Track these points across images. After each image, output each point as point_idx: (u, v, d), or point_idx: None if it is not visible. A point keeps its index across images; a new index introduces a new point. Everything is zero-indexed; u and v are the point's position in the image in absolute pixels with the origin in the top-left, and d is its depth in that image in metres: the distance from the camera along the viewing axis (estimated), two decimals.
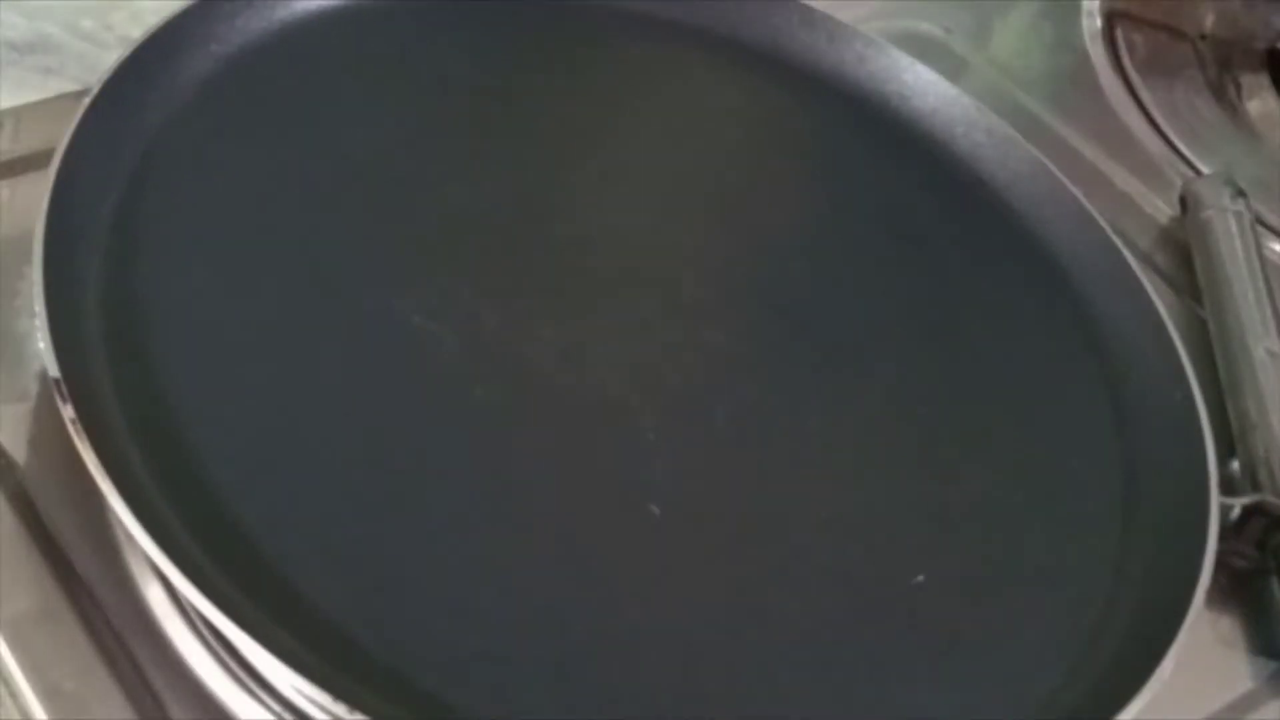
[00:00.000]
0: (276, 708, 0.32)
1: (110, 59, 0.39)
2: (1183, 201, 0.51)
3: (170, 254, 0.37)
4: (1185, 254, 0.50)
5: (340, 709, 0.28)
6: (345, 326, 0.38)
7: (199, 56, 0.41)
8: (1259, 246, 0.48)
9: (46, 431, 0.34)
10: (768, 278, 0.44)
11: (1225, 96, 0.59)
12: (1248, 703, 0.38)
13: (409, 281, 0.39)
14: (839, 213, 0.47)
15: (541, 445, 0.37)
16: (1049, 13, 0.60)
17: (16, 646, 0.31)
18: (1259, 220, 0.49)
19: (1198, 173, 0.54)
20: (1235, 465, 0.41)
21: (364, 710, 0.28)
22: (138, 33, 0.40)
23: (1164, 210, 0.52)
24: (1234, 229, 0.47)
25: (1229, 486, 0.40)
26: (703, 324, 0.41)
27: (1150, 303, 0.44)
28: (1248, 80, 0.61)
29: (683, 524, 0.36)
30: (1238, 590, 0.40)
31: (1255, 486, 0.40)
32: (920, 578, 0.36)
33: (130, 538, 0.30)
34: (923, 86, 0.50)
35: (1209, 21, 0.62)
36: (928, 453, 0.40)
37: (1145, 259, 0.48)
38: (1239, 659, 0.39)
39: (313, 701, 0.30)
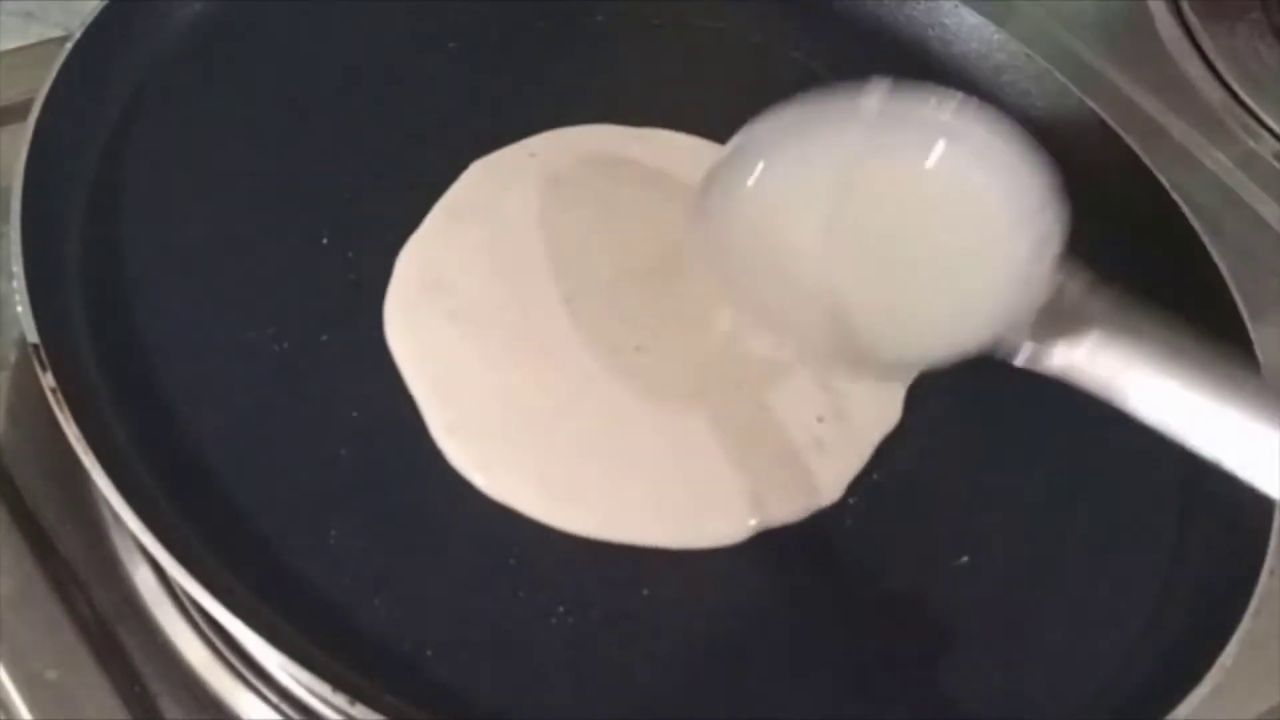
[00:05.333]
0: (273, 698, 0.31)
1: (93, 2, 0.37)
2: None
3: (156, 210, 0.36)
4: (1247, 210, 0.47)
5: (340, 699, 0.27)
6: (345, 286, 0.36)
7: None
8: None
9: (25, 401, 0.34)
10: None
11: None
12: None
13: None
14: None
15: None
16: None
17: None
18: None
19: (1261, 123, 0.51)
20: None
21: (365, 701, 0.27)
22: None
23: (1225, 164, 0.51)
24: None
25: None
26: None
27: (1213, 263, 0.42)
28: None
29: None
30: None
31: None
32: (964, 559, 0.35)
33: (116, 515, 0.29)
34: (966, 30, 0.48)
35: None
36: (969, 427, 0.38)
37: (1206, 216, 0.45)
38: None
39: (311, 692, 0.29)
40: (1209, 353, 0.28)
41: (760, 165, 0.32)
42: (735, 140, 0.33)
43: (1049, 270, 0.30)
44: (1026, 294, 0.29)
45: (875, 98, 0.31)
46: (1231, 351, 0.30)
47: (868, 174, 0.31)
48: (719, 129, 0.43)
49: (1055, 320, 0.29)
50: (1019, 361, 0.30)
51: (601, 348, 0.35)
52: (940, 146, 0.31)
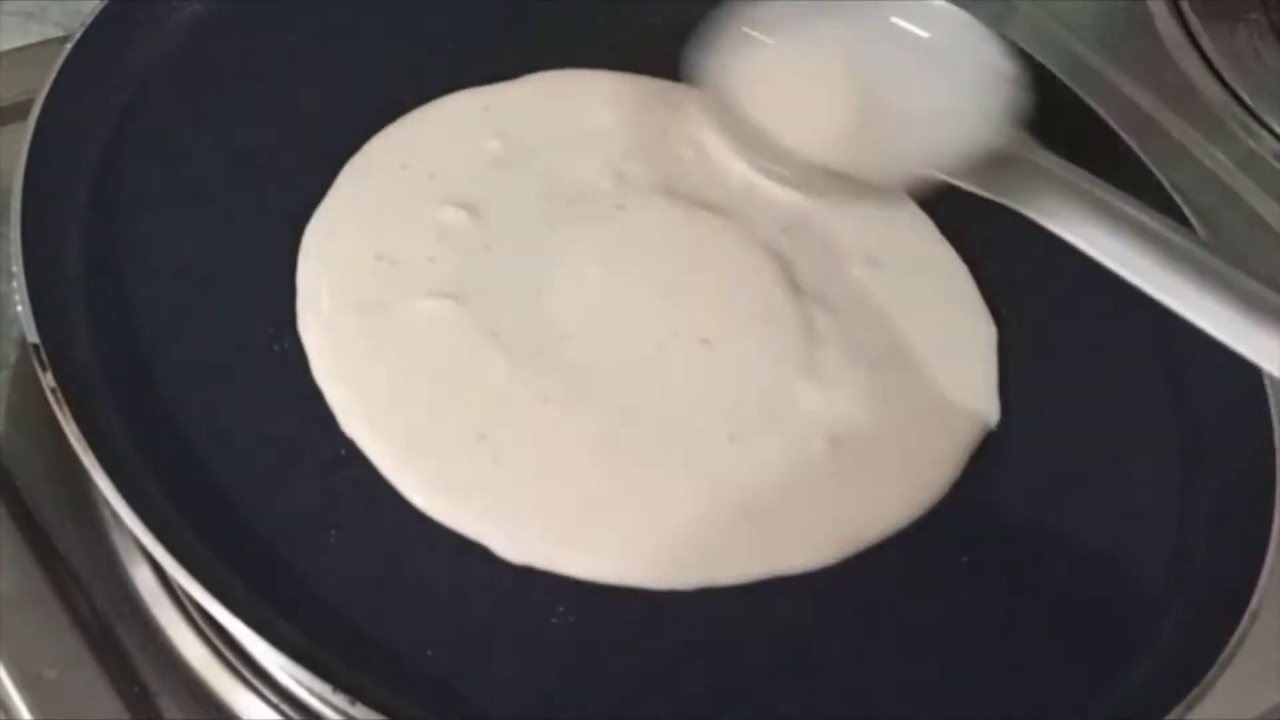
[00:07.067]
0: (273, 698, 0.31)
1: (93, 2, 0.37)
2: None
3: (156, 210, 0.36)
4: (1247, 211, 0.47)
5: (340, 699, 0.27)
6: None
7: None
8: None
9: (25, 401, 0.34)
10: None
11: None
12: None
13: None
14: None
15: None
16: None
17: None
18: None
19: (1261, 123, 0.51)
20: None
21: (366, 702, 0.27)
22: None
23: (1225, 163, 0.50)
24: None
25: None
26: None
27: None
28: None
29: None
30: None
31: None
32: (964, 558, 0.35)
33: (115, 515, 0.29)
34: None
35: None
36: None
37: (1205, 216, 0.45)
38: None
39: (312, 692, 0.30)
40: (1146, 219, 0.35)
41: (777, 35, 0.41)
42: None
43: (1000, 119, 0.39)
44: (980, 130, 0.39)
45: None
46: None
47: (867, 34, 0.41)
48: None
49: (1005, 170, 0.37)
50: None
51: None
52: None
